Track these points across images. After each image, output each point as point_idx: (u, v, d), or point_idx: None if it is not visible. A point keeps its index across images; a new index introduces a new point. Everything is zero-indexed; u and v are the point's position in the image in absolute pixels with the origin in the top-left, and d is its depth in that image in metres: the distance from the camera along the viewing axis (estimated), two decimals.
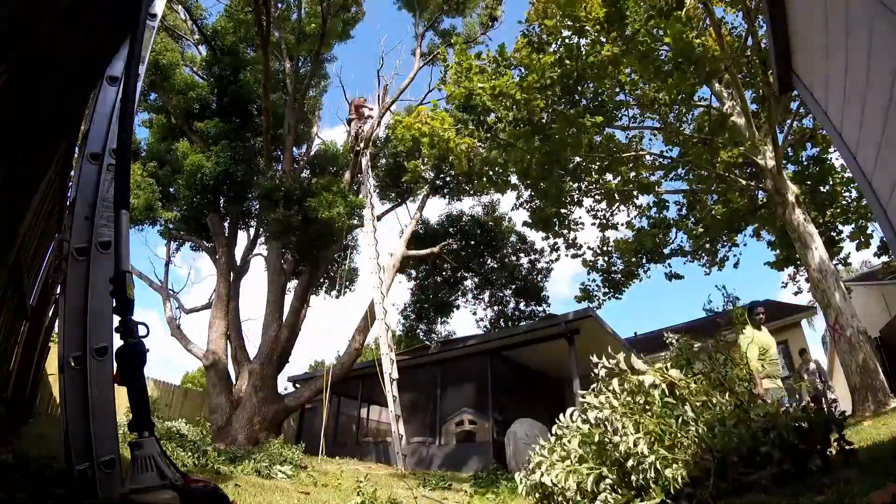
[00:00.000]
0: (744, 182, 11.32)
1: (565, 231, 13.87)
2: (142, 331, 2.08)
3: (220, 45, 14.77)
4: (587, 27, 9.69)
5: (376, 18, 53.85)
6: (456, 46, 11.72)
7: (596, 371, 4.05)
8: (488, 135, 11.39)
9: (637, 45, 9.00)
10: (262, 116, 12.05)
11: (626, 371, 3.81)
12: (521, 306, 21.50)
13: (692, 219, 13.51)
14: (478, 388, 11.76)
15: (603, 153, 12.15)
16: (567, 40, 10.38)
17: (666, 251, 13.34)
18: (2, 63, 1.29)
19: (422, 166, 13.62)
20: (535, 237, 19.95)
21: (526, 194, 14.24)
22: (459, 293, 20.29)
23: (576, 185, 13.56)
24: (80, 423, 1.99)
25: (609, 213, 14.13)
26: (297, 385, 14.49)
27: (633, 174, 13.55)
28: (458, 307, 20.55)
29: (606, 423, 3.46)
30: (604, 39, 9.85)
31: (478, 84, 10.82)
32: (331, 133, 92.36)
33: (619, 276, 13.41)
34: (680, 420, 3.20)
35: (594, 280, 13.71)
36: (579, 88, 10.53)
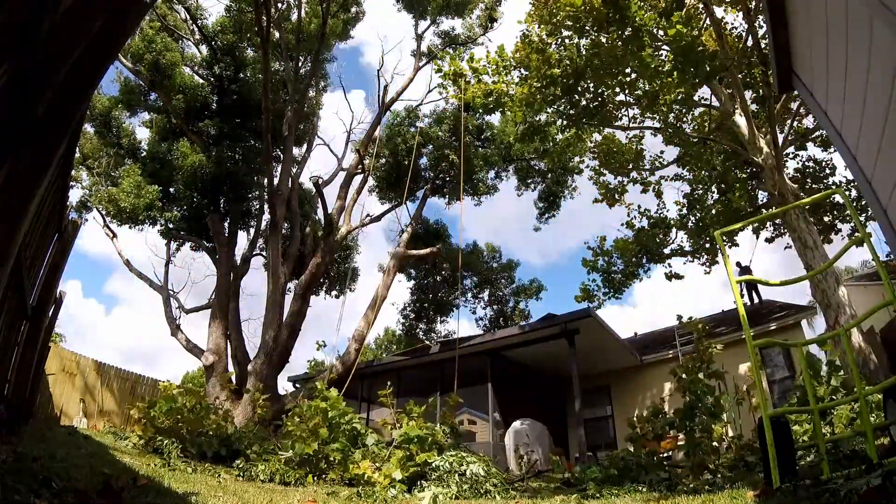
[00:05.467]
0: (745, 179, 11.33)
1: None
2: None
3: (221, 44, 14.76)
4: (587, 27, 9.69)
5: (376, 18, 53.83)
6: (460, 59, 11.74)
7: None
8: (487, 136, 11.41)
9: (637, 45, 9.00)
10: (262, 116, 12.04)
11: None
12: (521, 305, 21.52)
13: (692, 218, 13.51)
14: (478, 388, 11.76)
15: (602, 153, 12.17)
16: (567, 40, 10.39)
17: (666, 251, 13.33)
18: (2, 63, 1.29)
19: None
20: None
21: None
22: (459, 292, 20.29)
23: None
24: None
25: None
26: (297, 385, 14.49)
27: (633, 174, 13.56)
28: (457, 306, 20.56)
29: None
30: (604, 39, 9.86)
31: (476, 92, 10.92)
32: (330, 133, 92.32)
33: (619, 276, 13.40)
34: None
35: (594, 280, 13.71)
36: (579, 88, 10.53)
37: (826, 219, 12.51)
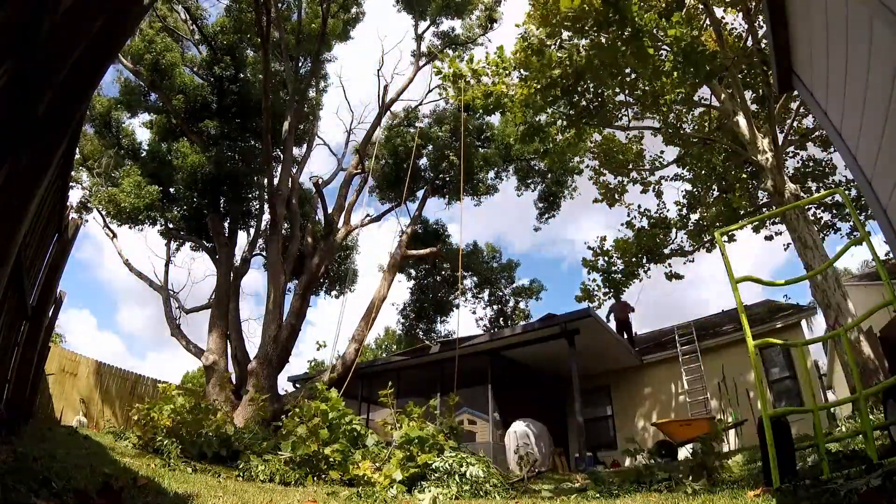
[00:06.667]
0: (744, 179, 11.34)
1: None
2: None
3: (221, 45, 14.76)
4: (587, 27, 9.68)
5: (376, 18, 53.87)
6: (459, 60, 11.72)
7: None
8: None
9: (637, 45, 9.00)
10: (262, 116, 12.04)
11: None
12: (521, 305, 21.52)
13: (693, 218, 13.51)
14: (478, 388, 11.76)
15: (602, 153, 12.16)
16: (566, 41, 10.39)
17: (666, 251, 13.34)
18: (2, 63, 1.29)
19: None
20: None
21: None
22: (459, 292, 20.29)
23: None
24: None
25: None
26: (297, 385, 14.49)
27: (633, 174, 13.57)
28: (457, 306, 20.56)
29: None
30: (603, 40, 9.85)
31: (476, 93, 10.94)
32: (330, 133, 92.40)
33: (620, 276, 13.40)
34: None
35: (594, 280, 13.70)
36: (579, 89, 10.53)
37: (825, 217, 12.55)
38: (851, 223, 12.03)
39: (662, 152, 13.35)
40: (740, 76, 9.83)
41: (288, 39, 15.20)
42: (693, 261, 13.86)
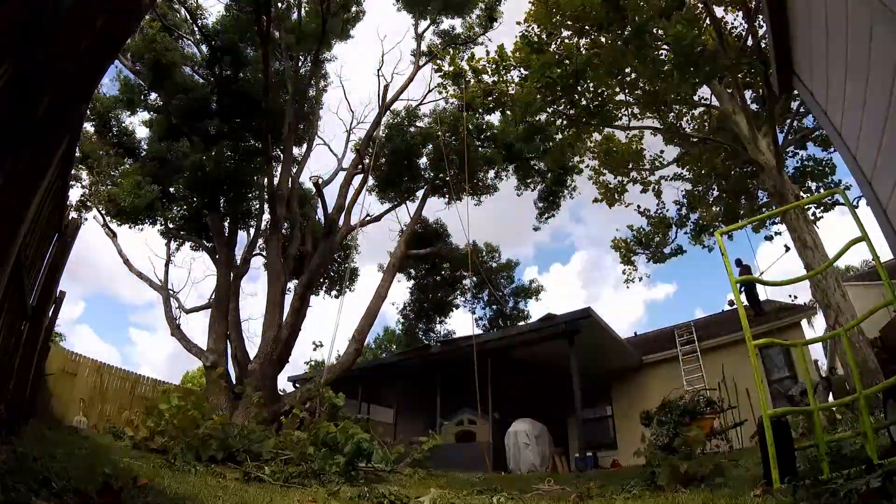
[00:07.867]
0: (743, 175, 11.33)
1: None
2: None
3: (221, 44, 14.75)
4: (587, 27, 9.69)
5: (376, 17, 53.83)
6: (460, 59, 11.74)
7: None
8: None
9: (637, 45, 9.00)
10: (263, 116, 12.04)
11: None
12: (521, 305, 21.53)
13: (692, 218, 13.52)
14: (478, 388, 11.76)
15: (602, 153, 12.17)
16: (567, 40, 10.40)
17: (666, 251, 13.35)
18: (2, 63, 1.29)
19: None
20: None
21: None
22: (458, 292, 20.30)
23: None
24: None
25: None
26: (297, 385, 14.49)
27: (633, 174, 13.58)
28: (457, 306, 20.56)
29: None
30: (603, 39, 9.86)
31: (476, 91, 10.97)
32: (330, 133, 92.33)
33: (654, 246, 13.50)
34: None
35: (624, 240, 13.81)
36: (579, 88, 10.53)
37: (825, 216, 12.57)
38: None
39: (662, 152, 13.36)
40: (740, 76, 9.83)
41: (288, 39, 15.19)
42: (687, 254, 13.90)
